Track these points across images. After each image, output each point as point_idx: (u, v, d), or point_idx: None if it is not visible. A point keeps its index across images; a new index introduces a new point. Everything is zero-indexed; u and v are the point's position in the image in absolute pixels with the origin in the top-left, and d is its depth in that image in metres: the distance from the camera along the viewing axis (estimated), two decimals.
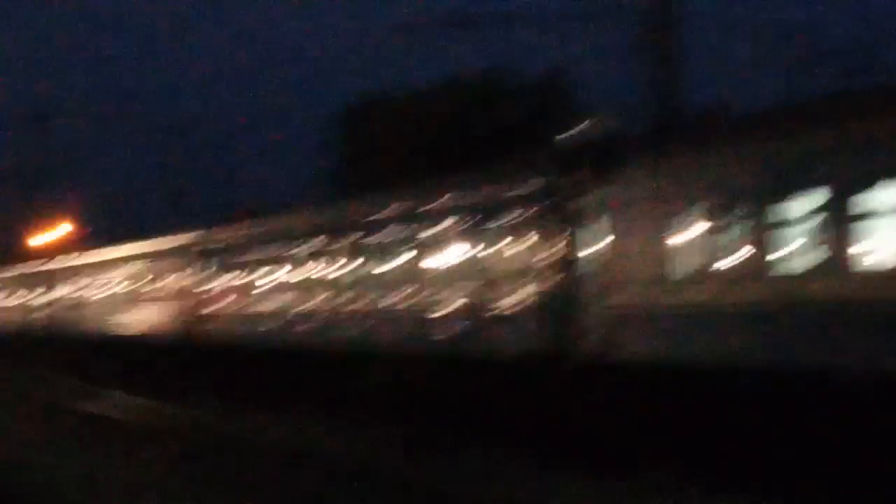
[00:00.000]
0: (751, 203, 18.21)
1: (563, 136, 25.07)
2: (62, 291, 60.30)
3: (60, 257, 62.74)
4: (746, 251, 18.30)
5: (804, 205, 17.54)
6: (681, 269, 19.61)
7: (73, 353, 58.50)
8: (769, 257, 17.90)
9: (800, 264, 17.61)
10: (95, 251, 58.59)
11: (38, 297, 59.74)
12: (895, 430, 15.71)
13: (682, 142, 21.07)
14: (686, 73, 27.09)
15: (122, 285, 51.10)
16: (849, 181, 16.70)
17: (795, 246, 17.75)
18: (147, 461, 23.21)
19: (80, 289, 57.64)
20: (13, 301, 72.50)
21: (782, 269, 17.80)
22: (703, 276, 19.10)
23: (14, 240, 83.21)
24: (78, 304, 57.96)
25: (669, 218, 19.88)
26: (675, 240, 19.79)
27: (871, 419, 16.02)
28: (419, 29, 29.13)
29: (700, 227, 19.23)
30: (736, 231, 18.61)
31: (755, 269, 18.07)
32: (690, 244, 19.44)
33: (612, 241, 21.28)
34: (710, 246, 19.09)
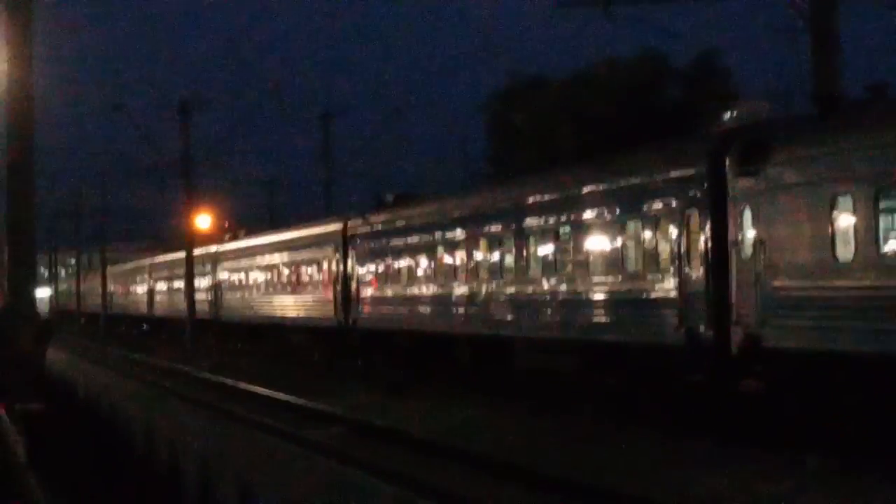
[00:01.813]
0: None
1: (715, 121, 24.63)
2: (221, 278, 61.28)
3: (216, 245, 63.71)
4: None
5: None
6: (844, 254, 19.09)
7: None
8: None
9: None
10: (250, 238, 59.42)
11: (199, 284, 60.80)
12: None
13: (841, 125, 20.49)
14: (846, 55, 26.44)
15: (277, 272, 51.73)
16: None
17: None
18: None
19: (238, 276, 58.52)
20: (169, 287, 73.97)
21: None
22: (868, 260, 18.55)
23: (166, 229, 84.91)
24: (237, 291, 58.86)
25: (829, 203, 19.35)
26: (837, 225, 19.25)
27: None
28: (573, 10, 28.69)
29: (864, 211, 18.66)
30: None
31: None
32: (855, 229, 18.89)
33: (768, 227, 20.81)
34: (874, 230, 18.51)
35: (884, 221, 18.45)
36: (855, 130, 19.47)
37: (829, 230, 19.34)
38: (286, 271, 50.27)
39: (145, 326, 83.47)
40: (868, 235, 18.53)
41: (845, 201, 19.08)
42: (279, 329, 51.71)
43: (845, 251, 19.08)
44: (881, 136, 18.63)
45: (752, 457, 19.38)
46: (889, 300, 18.05)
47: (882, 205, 18.37)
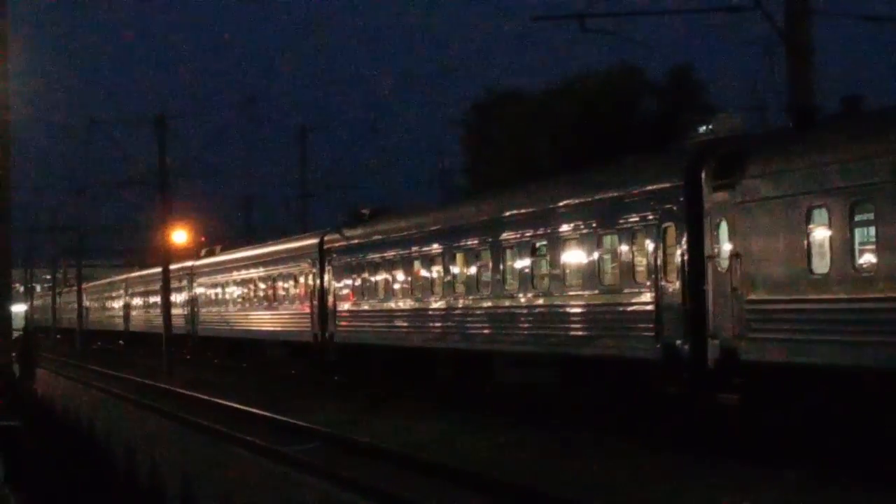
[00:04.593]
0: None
1: (690, 135, 24.73)
2: (198, 293, 61.18)
3: (192, 262, 63.62)
4: (888, 247, 17.79)
5: None
6: (819, 267, 19.17)
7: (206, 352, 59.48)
8: None
9: None
10: (227, 254, 59.35)
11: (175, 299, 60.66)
12: None
13: (817, 138, 20.59)
14: (820, 68, 26.56)
15: (254, 287, 51.67)
16: None
17: None
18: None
19: (215, 291, 58.42)
20: (145, 302, 73.82)
21: None
22: (843, 273, 18.63)
23: (143, 244, 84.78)
24: (214, 306, 58.77)
25: (805, 216, 19.44)
26: (812, 238, 19.34)
27: None
28: (550, 24, 28.79)
29: (838, 224, 18.74)
30: (878, 228, 18.10)
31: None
32: (830, 242, 18.97)
33: (744, 240, 20.88)
34: (849, 243, 18.60)
35: (859, 234, 18.54)
36: (830, 144, 19.57)
37: (805, 243, 19.43)
38: (263, 286, 50.23)
39: (121, 342, 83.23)
40: (843, 248, 18.62)
41: (820, 214, 19.17)
42: (256, 344, 51.65)
43: (821, 264, 19.16)
44: (856, 149, 18.73)
45: (732, 470, 19.44)
46: (864, 313, 18.15)
47: (857, 218, 18.46)
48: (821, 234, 19.21)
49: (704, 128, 24.43)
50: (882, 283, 17.82)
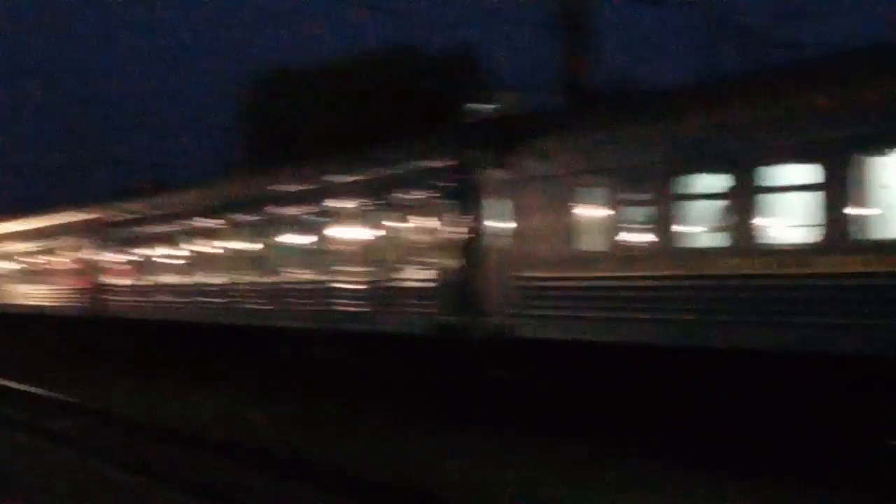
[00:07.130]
0: (658, 180, 18.08)
1: (468, 113, 24.91)
2: None
3: None
4: (653, 227, 18.21)
5: (711, 181, 17.50)
6: (586, 245, 19.52)
7: None
8: (677, 232, 17.82)
9: (706, 240, 17.60)
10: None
11: None
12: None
13: (589, 119, 20.93)
14: (598, 49, 26.99)
15: (25, 259, 50.37)
16: (756, 158, 16.62)
17: (701, 221, 17.74)
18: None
19: None
20: None
21: (689, 244, 17.74)
22: (608, 252, 19.01)
23: None
24: None
25: (576, 195, 19.77)
26: (582, 217, 19.68)
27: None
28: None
29: (607, 204, 19.12)
30: (643, 208, 18.50)
31: (662, 244, 17.99)
32: (598, 221, 19.33)
33: (518, 219, 21.15)
34: (616, 223, 18.99)
35: (623, 214, 18.94)
36: (602, 124, 19.91)
37: (573, 222, 19.76)
38: (40, 260, 48.93)
39: None
40: (609, 227, 19.00)
41: (588, 193, 19.51)
42: (30, 319, 50.30)
43: (587, 243, 19.52)
44: (629, 130, 19.08)
45: (510, 443, 19.63)
46: (625, 290, 18.56)
47: (620, 197, 18.84)
48: (587, 213, 19.55)
49: (482, 106, 24.60)
50: (642, 262, 18.24)
